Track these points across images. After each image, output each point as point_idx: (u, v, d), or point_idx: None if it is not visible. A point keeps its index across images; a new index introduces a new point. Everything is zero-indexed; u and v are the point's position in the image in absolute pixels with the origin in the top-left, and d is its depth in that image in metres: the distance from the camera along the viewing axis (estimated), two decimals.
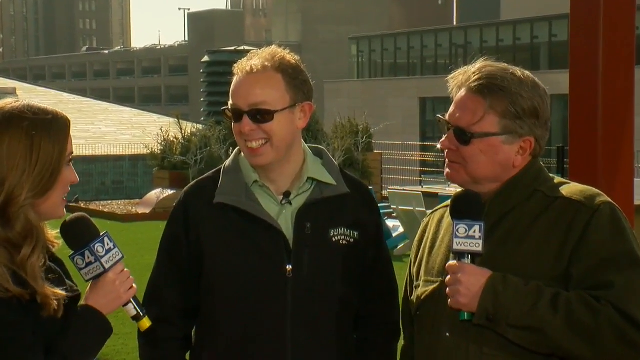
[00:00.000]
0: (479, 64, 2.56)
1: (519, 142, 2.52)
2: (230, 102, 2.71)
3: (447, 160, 2.57)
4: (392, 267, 2.87)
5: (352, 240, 2.75)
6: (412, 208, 14.06)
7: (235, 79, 2.70)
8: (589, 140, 3.51)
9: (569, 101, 3.59)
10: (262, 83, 2.66)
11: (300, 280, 2.68)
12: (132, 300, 2.44)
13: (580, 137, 3.57)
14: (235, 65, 2.72)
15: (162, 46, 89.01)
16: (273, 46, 2.75)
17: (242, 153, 2.75)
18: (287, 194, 2.74)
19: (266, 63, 2.67)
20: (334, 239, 2.73)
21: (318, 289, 2.70)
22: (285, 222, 2.72)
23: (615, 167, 3.52)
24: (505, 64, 2.57)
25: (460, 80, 2.56)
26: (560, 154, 13.37)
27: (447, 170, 2.58)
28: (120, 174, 26.45)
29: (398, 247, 13.79)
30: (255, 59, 2.69)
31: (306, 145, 2.82)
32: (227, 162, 2.81)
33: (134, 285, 2.46)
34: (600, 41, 3.47)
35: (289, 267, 2.68)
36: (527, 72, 2.56)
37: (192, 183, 2.84)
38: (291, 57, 2.73)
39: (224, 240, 2.70)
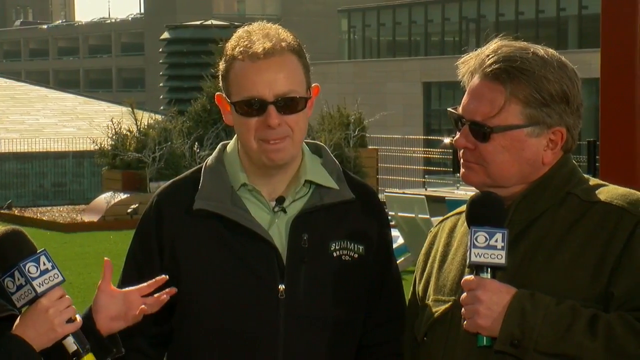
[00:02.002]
0: (493, 45, 2.58)
1: (547, 134, 2.55)
2: (242, 94, 2.69)
3: (462, 159, 2.59)
4: (402, 288, 2.88)
5: (356, 255, 2.76)
6: (413, 215, 14.10)
7: (240, 66, 2.69)
8: (623, 132, 3.54)
9: (600, 86, 3.62)
10: (286, 68, 2.69)
11: (294, 302, 2.69)
12: (72, 334, 2.43)
13: (614, 129, 3.59)
14: (230, 49, 2.72)
15: (113, 20, 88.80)
16: (265, 22, 2.76)
17: (251, 150, 2.72)
18: (280, 200, 2.75)
19: (282, 44, 2.69)
20: (335, 254, 2.74)
21: (315, 313, 2.71)
22: (278, 234, 2.73)
23: None
24: (524, 43, 2.60)
25: (472, 66, 2.58)
26: (591, 149, 13.44)
27: (463, 170, 2.60)
28: (62, 174, 26.38)
29: (397, 262, 13.81)
30: (261, 39, 2.69)
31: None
32: (209, 161, 2.81)
33: (77, 317, 2.45)
34: (637, 15, 3.50)
35: (281, 287, 2.69)
36: (550, 50, 2.59)
37: (166, 184, 2.84)
38: (288, 32, 2.76)
39: (204, 255, 2.71)
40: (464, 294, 2.46)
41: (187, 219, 2.73)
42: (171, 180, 2.85)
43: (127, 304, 2.61)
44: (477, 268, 2.46)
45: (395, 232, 14.58)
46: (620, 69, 3.55)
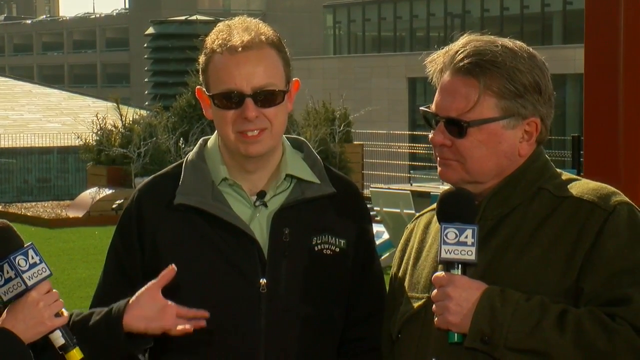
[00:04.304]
0: (461, 41, 2.59)
1: (522, 126, 2.56)
2: (220, 87, 2.70)
3: (438, 157, 2.59)
4: (383, 282, 2.88)
5: (337, 249, 2.77)
6: (399, 210, 14.12)
7: (219, 59, 2.70)
8: (608, 127, 3.55)
9: (584, 81, 3.63)
10: (265, 61, 2.70)
11: (276, 296, 2.70)
12: (60, 327, 2.45)
13: (598, 124, 3.60)
14: (210, 42, 2.73)
15: (98, 15, 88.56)
16: (246, 17, 2.77)
17: (229, 142, 2.73)
18: (261, 195, 2.76)
19: (261, 37, 2.71)
20: (316, 248, 2.75)
21: (297, 308, 2.71)
22: (260, 228, 2.74)
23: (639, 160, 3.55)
24: (492, 36, 2.61)
25: (442, 63, 2.59)
26: (576, 145, 13.51)
27: (440, 168, 2.60)
28: (47, 169, 26.32)
29: (382, 257, 13.84)
30: (241, 33, 2.70)
31: (284, 136, 2.83)
32: (190, 156, 2.83)
33: (64, 311, 2.46)
34: (621, 10, 3.51)
35: (263, 281, 2.70)
36: (518, 42, 2.60)
37: (147, 180, 2.85)
38: (269, 27, 2.77)
39: (185, 249, 2.72)
40: (435, 291, 2.47)
41: (168, 214, 2.74)
42: (152, 176, 2.86)
43: (161, 313, 2.62)
44: (447, 264, 2.47)
45: (380, 228, 14.61)
46: (604, 65, 3.55)
